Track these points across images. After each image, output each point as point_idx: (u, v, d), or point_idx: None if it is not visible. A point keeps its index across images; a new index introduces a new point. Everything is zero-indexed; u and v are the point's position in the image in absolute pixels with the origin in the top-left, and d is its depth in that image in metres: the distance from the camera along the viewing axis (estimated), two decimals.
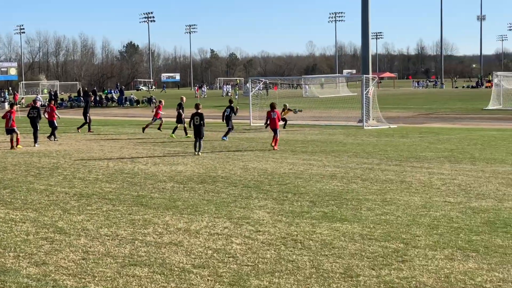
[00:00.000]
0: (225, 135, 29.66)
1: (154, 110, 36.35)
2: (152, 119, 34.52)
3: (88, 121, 36.14)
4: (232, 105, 31.09)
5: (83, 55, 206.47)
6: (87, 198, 14.93)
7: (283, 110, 36.99)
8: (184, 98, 34.67)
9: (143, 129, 34.34)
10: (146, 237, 11.09)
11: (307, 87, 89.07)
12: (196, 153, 23.60)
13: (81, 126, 36.04)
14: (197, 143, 23.82)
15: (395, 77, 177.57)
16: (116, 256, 9.96)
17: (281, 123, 32.96)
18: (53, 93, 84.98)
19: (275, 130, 25.54)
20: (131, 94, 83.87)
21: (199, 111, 24.29)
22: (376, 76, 51.26)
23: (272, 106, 26.23)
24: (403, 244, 10.33)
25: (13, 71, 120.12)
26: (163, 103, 36.02)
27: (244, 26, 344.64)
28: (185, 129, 31.25)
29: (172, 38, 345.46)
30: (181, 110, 32.10)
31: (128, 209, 13.56)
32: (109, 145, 27.84)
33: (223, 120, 31.44)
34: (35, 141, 27.71)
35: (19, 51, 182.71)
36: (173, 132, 31.77)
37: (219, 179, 17.48)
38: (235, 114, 30.81)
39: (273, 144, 25.11)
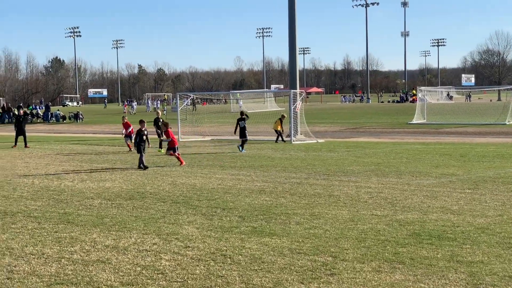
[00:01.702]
0: (241, 147, 30.61)
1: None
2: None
3: (22, 135, 36.20)
4: (243, 116, 31.64)
5: (7, 70, 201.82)
6: (12, 216, 14.57)
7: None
8: (160, 113, 34.83)
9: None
10: (73, 255, 10.89)
11: (241, 102, 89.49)
12: (143, 167, 23.66)
13: (15, 142, 35.99)
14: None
15: (322, 92, 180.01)
16: (42, 275, 9.75)
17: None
18: None
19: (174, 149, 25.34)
20: (58, 110, 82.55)
21: (144, 127, 24.33)
22: (303, 91, 51.74)
23: (166, 125, 26.14)
24: (332, 258, 10.42)
25: None
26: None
27: (172, 41, 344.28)
28: (160, 143, 31.47)
29: (99, 53, 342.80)
30: (159, 124, 31.99)
31: (54, 227, 13.30)
32: (34, 162, 27.29)
33: (235, 133, 32.28)
34: None
35: None
36: (160, 147, 31.38)
37: (147, 195, 17.33)
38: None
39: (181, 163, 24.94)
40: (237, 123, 31.71)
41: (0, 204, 16.24)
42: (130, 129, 32.29)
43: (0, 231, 12.95)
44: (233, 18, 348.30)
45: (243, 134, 31.21)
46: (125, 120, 33.17)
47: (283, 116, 37.74)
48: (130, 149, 31.28)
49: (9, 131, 39.48)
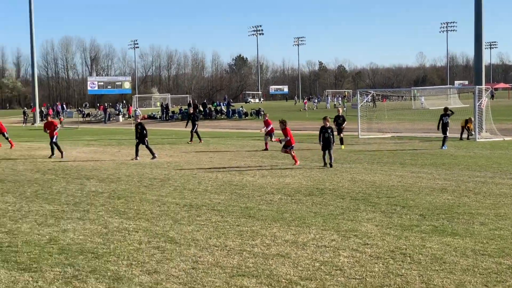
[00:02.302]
0: (443, 144, 30.82)
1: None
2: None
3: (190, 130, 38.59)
4: (448, 112, 31.59)
5: (194, 68, 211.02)
6: (197, 209, 15.16)
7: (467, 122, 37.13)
8: (341, 110, 35.41)
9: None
10: (254, 249, 11.14)
11: (422, 98, 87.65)
12: (328, 165, 23.24)
13: (199, 137, 37.74)
14: (327, 155, 23.52)
15: (510, 88, 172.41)
16: (224, 266, 10.06)
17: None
18: (164, 105, 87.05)
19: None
20: (241, 107, 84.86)
21: (328, 124, 23.88)
22: (489, 87, 49.81)
23: (284, 123, 25.37)
24: None
25: (127, 85, 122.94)
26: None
27: (353, 38, 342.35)
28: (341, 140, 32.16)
29: (281, 50, 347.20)
30: (339, 121, 32.51)
31: (236, 221, 13.68)
32: (218, 157, 28.22)
33: (438, 129, 32.04)
34: (152, 154, 27.86)
35: (133, 66, 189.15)
36: (341, 144, 31.90)
37: (326, 192, 17.40)
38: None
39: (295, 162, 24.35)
40: (440, 119, 31.23)
41: (186, 197, 16.95)
42: (270, 128, 32.48)
43: (186, 223, 13.52)
44: (416, 14, 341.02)
45: (444, 130, 30.74)
46: (266, 118, 33.59)
47: (470, 120, 36.62)
48: (266, 148, 31.50)
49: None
